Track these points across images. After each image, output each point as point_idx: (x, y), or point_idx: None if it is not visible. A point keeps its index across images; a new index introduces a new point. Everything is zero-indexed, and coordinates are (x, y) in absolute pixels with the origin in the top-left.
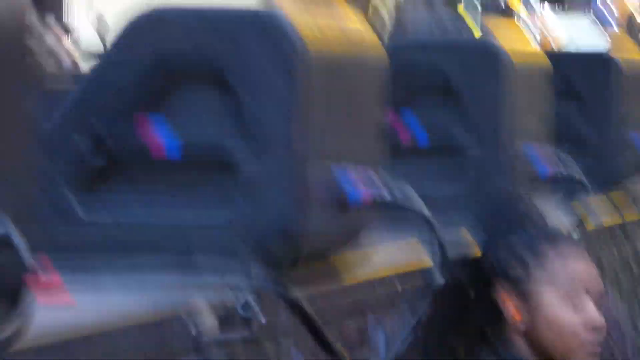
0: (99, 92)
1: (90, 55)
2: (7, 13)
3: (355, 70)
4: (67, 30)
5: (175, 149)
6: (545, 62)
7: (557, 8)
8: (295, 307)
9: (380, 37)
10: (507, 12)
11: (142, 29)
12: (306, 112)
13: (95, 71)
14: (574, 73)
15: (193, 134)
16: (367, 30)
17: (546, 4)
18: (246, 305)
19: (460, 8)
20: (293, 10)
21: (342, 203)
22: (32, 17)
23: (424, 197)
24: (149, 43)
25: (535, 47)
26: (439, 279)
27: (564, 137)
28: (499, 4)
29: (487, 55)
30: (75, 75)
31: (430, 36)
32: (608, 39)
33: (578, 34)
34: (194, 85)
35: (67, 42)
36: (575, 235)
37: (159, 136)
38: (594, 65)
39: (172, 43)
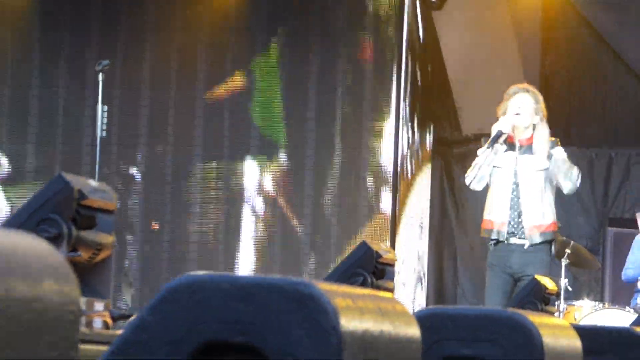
0: (128, 357)
1: (120, 317)
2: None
3: (389, 348)
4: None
5: None
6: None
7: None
8: None
9: None
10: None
11: (177, 296)
12: None
13: (126, 335)
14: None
15: None
16: (403, 308)
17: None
18: None
19: None
20: (330, 286)
21: None
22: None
23: None
24: (183, 311)
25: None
26: None
27: None
28: None
29: (517, 328)
30: (106, 335)
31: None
32: None
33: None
34: (227, 356)
35: (99, 304)
36: None
37: None
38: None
39: (208, 312)
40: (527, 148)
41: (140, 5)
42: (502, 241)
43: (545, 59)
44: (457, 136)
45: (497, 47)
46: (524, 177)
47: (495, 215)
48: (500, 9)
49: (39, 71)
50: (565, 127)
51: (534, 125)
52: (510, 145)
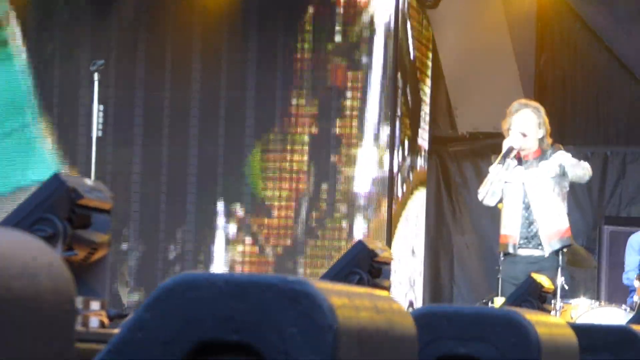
0: (124, 356)
1: (117, 316)
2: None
3: (386, 346)
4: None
5: None
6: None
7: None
8: None
9: None
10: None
11: (172, 295)
12: None
13: (122, 334)
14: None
15: None
16: (399, 307)
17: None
18: None
19: None
20: (326, 284)
21: None
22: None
23: None
24: (179, 309)
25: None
26: None
27: None
28: None
29: (513, 327)
30: (102, 334)
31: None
32: None
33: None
34: (222, 355)
35: (95, 303)
36: None
37: None
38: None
39: (203, 311)
40: (534, 161)
41: (133, 5)
42: (512, 254)
43: (540, 57)
44: (453, 134)
45: (492, 46)
46: (533, 189)
47: (509, 230)
48: (495, 8)
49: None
50: (560, 125)
51: (539, 140)
52: (520, 160)
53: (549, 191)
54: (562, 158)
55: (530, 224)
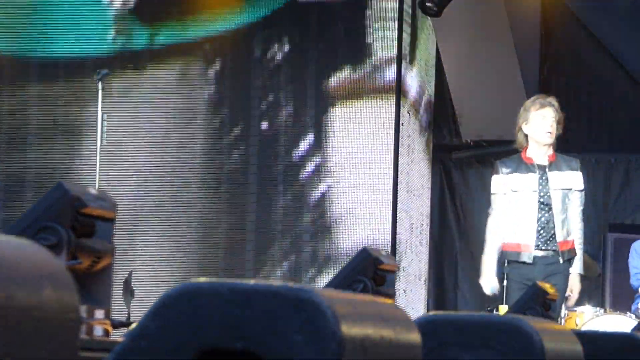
0: None
1: (121, 324)
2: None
3: (390, 354)
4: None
5: None
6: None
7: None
8: None
9: None
10: None
11: (177, 303)
12: None
13: (126, 342)
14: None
15: None
16: (403, 314)
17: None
18: None
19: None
20: (330, 292)
21: None
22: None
23: None
24: (183, 317)
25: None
26: None
27: None
28: None
29: (518, 334)
30: (106, 343)
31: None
32: None
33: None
34: None
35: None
36: None
37: None
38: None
39: (207, 319)
40: (554, 165)
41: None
42: (529, 263)
43: (544, 65)
44: (457, 142)
45: (495, 53)
46: (554, 194)
47: (523, 237)
48: (499, 16)
49: (37, 79)
50: (564, 132)
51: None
52: (530, 166)
53: (564, 200)
54: (575, 204)
55: (552, 227)
